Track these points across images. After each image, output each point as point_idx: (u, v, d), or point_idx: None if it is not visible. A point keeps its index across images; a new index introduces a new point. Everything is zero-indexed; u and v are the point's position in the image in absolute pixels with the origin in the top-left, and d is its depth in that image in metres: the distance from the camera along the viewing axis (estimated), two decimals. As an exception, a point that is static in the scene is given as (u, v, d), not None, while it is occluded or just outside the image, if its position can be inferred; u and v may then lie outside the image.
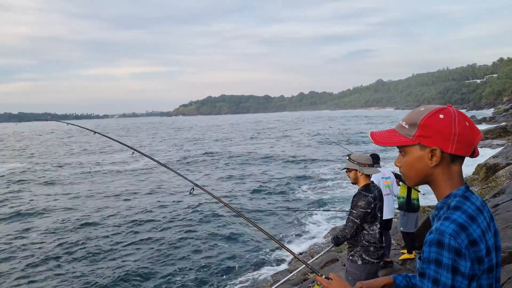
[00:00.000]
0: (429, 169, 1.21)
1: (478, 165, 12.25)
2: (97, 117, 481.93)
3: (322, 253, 3.81)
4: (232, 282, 7.77)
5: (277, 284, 5.87)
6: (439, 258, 1.06)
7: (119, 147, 33.21)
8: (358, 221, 3.43)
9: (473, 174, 12.14)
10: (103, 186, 18.02)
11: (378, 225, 3.53)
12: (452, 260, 1.05)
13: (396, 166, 1.32)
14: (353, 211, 3.45)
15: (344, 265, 4.47)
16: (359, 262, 3.47)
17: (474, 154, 1.21)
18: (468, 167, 13.51)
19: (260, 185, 16.84)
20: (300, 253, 8.26)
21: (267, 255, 9.00)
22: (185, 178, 2.94)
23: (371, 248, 3.48)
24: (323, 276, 1.54)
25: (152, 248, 9.63)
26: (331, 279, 1.50)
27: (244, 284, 7.61)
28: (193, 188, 2.69)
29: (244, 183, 17.67)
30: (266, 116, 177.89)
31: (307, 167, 21.57)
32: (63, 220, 12.27)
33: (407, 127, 1.23)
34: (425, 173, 1.22)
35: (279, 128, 64.68)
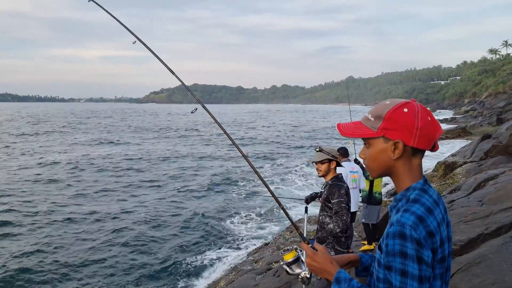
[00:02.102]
0: (391, 162, 1.24)
1: (438, 163, 12.82)
2: (62, 100, 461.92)
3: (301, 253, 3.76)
4: (187, 269, 7.90)
5: (241, 273, 5.96)
6: (403, 250, 1.09)
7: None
8: (348, 207, 3.42)
9: (433, 171, 12.68)
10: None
11: (350, 215, 3.53)
12: (416, 251, 1.09)
13: (361, 158, 1.35)
14: (341, 199, 3.40)
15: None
16: (332, 253, 3.47)
17: (434, 148, 1.25)
18: (430, 161, 14.16)
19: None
20: (266, 243, 8.39)
21: (228, 244, 9.14)
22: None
23: (343, 239, 3.53)
24: (310, 246, 1.46)
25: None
26: (316, 250, 1.42)
27: (204, 273, 7.72)
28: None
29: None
30: (237, 107, 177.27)
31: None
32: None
33: (373, 119, 1.25)
34: (388, 165, 1.25)
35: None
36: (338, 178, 3.60)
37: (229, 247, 8.99)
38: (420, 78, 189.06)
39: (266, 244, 8.32)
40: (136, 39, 2.84)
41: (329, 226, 3.44)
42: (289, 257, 1.74)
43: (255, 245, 8.84)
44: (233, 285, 6.06)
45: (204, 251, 8.78)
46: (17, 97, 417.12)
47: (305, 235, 3.61)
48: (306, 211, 4.26)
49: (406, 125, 1.19)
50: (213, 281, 7.10)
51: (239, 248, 8.89)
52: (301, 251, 1.77)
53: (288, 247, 1.81)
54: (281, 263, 1.76)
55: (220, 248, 8.93)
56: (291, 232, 8.48)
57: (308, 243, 1.48)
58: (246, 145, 28.56)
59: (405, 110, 1.21)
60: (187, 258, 8.35)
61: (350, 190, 4.21)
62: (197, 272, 7.78)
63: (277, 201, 2.29)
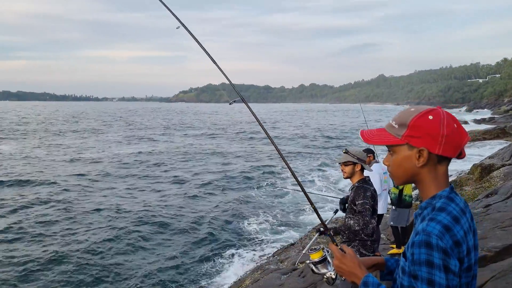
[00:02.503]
0: (416, 169, 1.23)
1: (474, 165, 12.30)
2: (96, 99, 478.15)
3: (311, 241, 3.76)
4: (214, 269, 7.94)
5: (267, 272, 5.96)
6: (430, 259, 1.09)
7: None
8: (371, 210, 3.40)
9: (468, 174, 12.20)
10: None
11: (376, 218, 3.54)
12: (443, 260, 1.08)
13: (385, 164, 1.34)
14: (365, 200, 3.39)
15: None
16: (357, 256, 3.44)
17: (461, 155, 1.23)
18: (466, 163, 13.63)
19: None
20: (292, 244, 8.36)
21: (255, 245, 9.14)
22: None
23: (368, 242, 3.49)
24: (338, 247, 1.47)
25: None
26: (345, 252, 1.42)
27: (228, 272, 7.75)
28: None
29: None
30: (264, 107, 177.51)
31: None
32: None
33: (397, 126, 1.24)
34: (412, 172, 1.24)
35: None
36: (365, 181, 3.57)
37: (254, 246, 9.03)
38: (456, 76, 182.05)
39: (292, 244, 8.29)
40: (180, 24, 2.93)
41: (349, 221, 3.44)
42: (315, 257, 1.79)
43: (275, 245, 8.85)
44: (259, 284, 6.08)
45: (229, 249, 8.86)
46: (54, 96, 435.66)
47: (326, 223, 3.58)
48: (335, 212, 4.23)
49: (430, 132, 1.18)
50: (238, 279, 7.15)
51: (264, 248, 8.90)
52: (328, 251, 1.80)
53: (315, 247, 1.84)
54: (308, 261, 1.82)
55: (245, 247, 8.99)
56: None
57: (336, 245, 1.49)
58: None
59: (430, 117, 1.19)
60: (212, 256, 8.46)
61: (382, 191, 4.15)
62: (223, 270, 7.85)
63: (308, 199, 2.27)
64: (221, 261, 8.26)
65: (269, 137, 2.23)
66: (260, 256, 8.37)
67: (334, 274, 1.77)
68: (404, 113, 1.25)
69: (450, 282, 1.08)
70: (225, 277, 7.57)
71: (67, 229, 9.87)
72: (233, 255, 8.55)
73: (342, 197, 3.99)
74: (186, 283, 7.37)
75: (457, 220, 1.15)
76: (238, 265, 8.02)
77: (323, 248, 1.82)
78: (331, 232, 1.77)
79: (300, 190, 2.52)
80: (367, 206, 3.37)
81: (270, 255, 8.16)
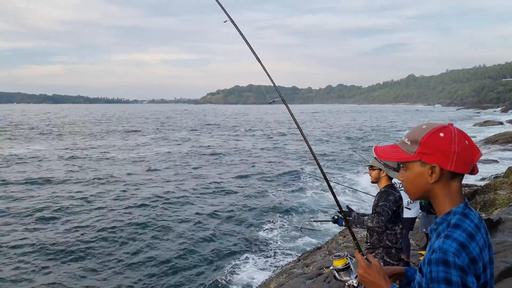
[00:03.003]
0: (429, 185, 1.25)
1: (509, 168, 11.78)
2: (127, 101, 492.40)
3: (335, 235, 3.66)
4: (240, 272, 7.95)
5: (291, 276, 5.93)
6: (448, 277, 1.10)
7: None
8: (390, 213, 3.33)
9: (503, 177, 11.70)
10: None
11: (400, 226, 3.47)
12: (461, 277, 1.10)
13: (399, 180, 1.37)
14: (387, 203, 3.32)
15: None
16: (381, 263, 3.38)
17: (473, 171, 1.24)
18: (501, 166, 13.08)
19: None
20: (318, 247, 8.28)
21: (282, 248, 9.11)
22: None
23: (393, 250, 3.42)
24: (364, 257, 1.49)
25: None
26: (370, 262, 1.43)
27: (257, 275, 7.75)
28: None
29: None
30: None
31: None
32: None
33: (409, 143, 1.28)
34: (425, 188, 1.27)
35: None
36: (392, 187, 3.51)
37: (279, 250, 8.98)
38: (490, 76, 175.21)
39: (318, 248, 8.21)
40: (227, 18, 3.00)
41: (364, 217, 3.32)
42: (339, 264, 1.82)
43: (291, 252, 8.77)
44: (283, 288, 6.05)
45: (254, 253, 8.86)
46: (88, 99, 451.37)
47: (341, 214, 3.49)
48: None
49: (442, 149, 1.21)
50: (263, 282, 7.15)
51: (290, 251, 8.86)
52: (351, 259, 1.80)
53: (339, 253, 1.85)
54: (331, 267, 1.83)
55: (270, 251, 8.96)
56: (344, 236, 8.29)
57: (362, 254, 1.50)
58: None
59: (441, 134, 1.22)
60: (236, 259, 8.50)
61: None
62: (248, 273, 7.86)
63: (329, 185, 2.23)
64: (245, 264, 8.28)
65: (302, 135, 2.33)
66: (285, 259, 8.34)
67: (356, 283, 1.78)
68: (416, 130, 1.29)
69: None
70: (250, 279, 7.59)
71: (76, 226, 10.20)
72: (257, 258, 8.56)
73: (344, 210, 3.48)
74: (210, 285, 7.44)
75: (472, 237, 1.17)
76: (262, 268, 8.03)
77: (347, 256, 1.83)
78: (358, 241, 1.77)
79: (323, 178, 2.50)
80: (386, 209, 3.30)
81: (295, 258, 8.12)
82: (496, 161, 17.08)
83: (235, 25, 2.86)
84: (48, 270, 7.86)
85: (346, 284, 1.81)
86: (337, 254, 1.87)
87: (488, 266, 1.19)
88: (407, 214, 4.97)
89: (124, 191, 14.29)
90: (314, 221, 10.02)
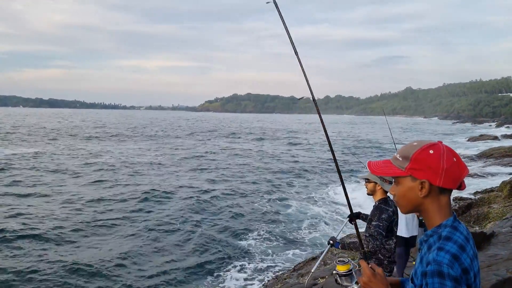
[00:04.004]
0: (419, 199, 1.32)
1: (503, 182, 11.91)
2: (124, 107, 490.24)
3: (322, 256, 3.78)
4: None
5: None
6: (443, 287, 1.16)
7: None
8: (384, 234, 3.41)
9: (497, 191, 11.81)
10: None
11: (394, 240, 3.54)
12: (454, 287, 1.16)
13: (391, 193, 1.43)
14: (380, 223, 3.41)
15: (355, 273, 4.49)
16: None
17: (461, 187, 1.31)
18: (496, 179, 13.18)
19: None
20: (313, 258, 8.31)
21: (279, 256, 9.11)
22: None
23: (385, 262, 3.48)
24: (369, 265, 1.49)
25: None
26: (374, 271, 1.45)
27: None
28: None
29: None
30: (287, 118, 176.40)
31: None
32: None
33: (401, 159, 1.34)
34: (416, 202, 1.34)
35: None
36: (385, 201, 3.56)
37: (274, 259, 8.99)
38: (486, 90, 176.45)
39: (313, 258, 8.24)
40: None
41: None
42: (342, 269, 1.89)
43: (279, 262, 8.76)
44: (278, 298, 6.08)
45: (248, 262, 8.84)
46: (84, 104, 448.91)
47: (336, 236, 3.62)
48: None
49: (431, 166, 1.27)
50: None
51: (285, 261, 8.88)
52: (354, 265, 1.88)
53: (344, 259, 1.93)
54: (334, 271, 1.92)
55: (265, 260, 8.97)
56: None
57: (368, 263, 1.49)
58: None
59: (431, 151, 1.29)
60: (227, 268, 8.47)
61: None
62: (241, 283, 7.84)
63: (350, 209, 2.29)
64: (238, 274, 8.23)
65: (331, 147, 2.48)
66: (281, 269, 8.34)
67: None
68: (408, 147, 1.35)
69: None
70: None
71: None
72: (251, 267, 8.53)
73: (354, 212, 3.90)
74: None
75: (463, 248, 1.23)
76: (257, 278, 8.02)
77: (350, 262, 1.90)
78: (365, 250, 1.87)
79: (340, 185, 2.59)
80: (380, 230, 3.37)
81: (291, 268, 8.14)
82: (491, 175, 17.24)
83: (277, 8, 2.88)
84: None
85: None
86: (341, 259, 1.94)
87: (477, 276, 1.26)
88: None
89: (102, 197, 14.08)
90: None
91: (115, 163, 22.32)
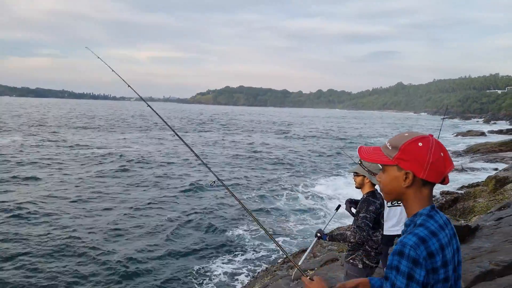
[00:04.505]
0: (402, 189, 1.37)
1: (488, 177, 12.16)
2: (114, 98, 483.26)
3: (309, 248, 3.86)
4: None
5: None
6: (398, 265, 1.24)
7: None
8: (371, 225, 3.49)
9: (482, 185, 12.06)
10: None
11: (381, 231, 3.62)
12: (409, 268, 1.22)
13: (377, 180, 1.48)
14: (367, 215, 3.48)
15: (343, 265, 4.58)
16: (360, 265, 3.55)
17: (444, 181, 1.35)
18: (482, 174, 13.43)
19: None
20: (304, 250, 8.40)
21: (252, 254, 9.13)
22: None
23: (372, 253, 3.57)
24: (308, 277, 1.72)
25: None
26: (313, 280, 1.69)
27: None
28: (214, 182, 2.95)
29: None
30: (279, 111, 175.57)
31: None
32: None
33: (390, 148, 1.38)
34: (399, 191, 1.39)
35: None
36: (373, 194, 3.63)
37: (264, 251, 9.07)
38: (475, 87, 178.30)
39: (303, 251, 8.33)
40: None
41: (346, 232, 3.54)
42: None
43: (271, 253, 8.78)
44: (267, 289, 6.15)
45: (237, 254, 8.88)
46: (73, 94, 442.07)
47: (323, 229, 3.72)
48: (337, 208, 4.34)
49: (418, 158, 1.31)
50: (248, 284, 7.23)
51: (274, 252, 8.96)
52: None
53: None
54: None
55: (254, 251, 9.04)
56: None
57: (307, 276, 1.73)
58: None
59: (420, 144, 1.32)
60: (217, 261, 8.47)
61: (396, 208, 4.27)
62: (230, 275, 7.88)
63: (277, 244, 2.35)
64: (227, 265, 8.26)
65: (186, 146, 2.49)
66: (270, 262, 8.42)
67: None
68: (398, 137, 1.39)
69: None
70: (233, 281, 7.62)
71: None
72: (239, 259, 8.56)
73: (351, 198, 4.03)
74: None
75: (434, 234, 1.28)
76: (246, 269, 8.07)
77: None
78: (299, 268, 1.95)
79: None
80: (367, 221, 3.44)
81: (280, 260, 8.22)
82: (477, 170, 17.56)
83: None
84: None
85: None
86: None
87: (450, 264, 1.29)
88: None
89: (85, 196, 14.09)
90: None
91: (103, 153, 22.15)
